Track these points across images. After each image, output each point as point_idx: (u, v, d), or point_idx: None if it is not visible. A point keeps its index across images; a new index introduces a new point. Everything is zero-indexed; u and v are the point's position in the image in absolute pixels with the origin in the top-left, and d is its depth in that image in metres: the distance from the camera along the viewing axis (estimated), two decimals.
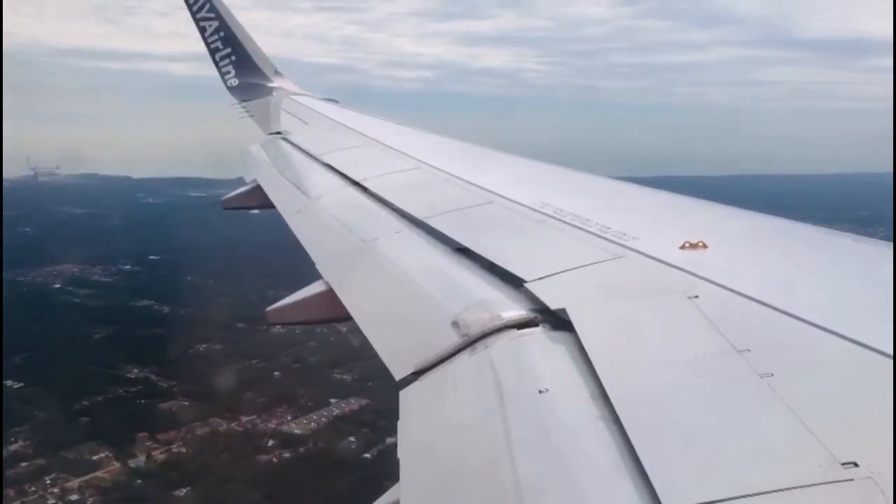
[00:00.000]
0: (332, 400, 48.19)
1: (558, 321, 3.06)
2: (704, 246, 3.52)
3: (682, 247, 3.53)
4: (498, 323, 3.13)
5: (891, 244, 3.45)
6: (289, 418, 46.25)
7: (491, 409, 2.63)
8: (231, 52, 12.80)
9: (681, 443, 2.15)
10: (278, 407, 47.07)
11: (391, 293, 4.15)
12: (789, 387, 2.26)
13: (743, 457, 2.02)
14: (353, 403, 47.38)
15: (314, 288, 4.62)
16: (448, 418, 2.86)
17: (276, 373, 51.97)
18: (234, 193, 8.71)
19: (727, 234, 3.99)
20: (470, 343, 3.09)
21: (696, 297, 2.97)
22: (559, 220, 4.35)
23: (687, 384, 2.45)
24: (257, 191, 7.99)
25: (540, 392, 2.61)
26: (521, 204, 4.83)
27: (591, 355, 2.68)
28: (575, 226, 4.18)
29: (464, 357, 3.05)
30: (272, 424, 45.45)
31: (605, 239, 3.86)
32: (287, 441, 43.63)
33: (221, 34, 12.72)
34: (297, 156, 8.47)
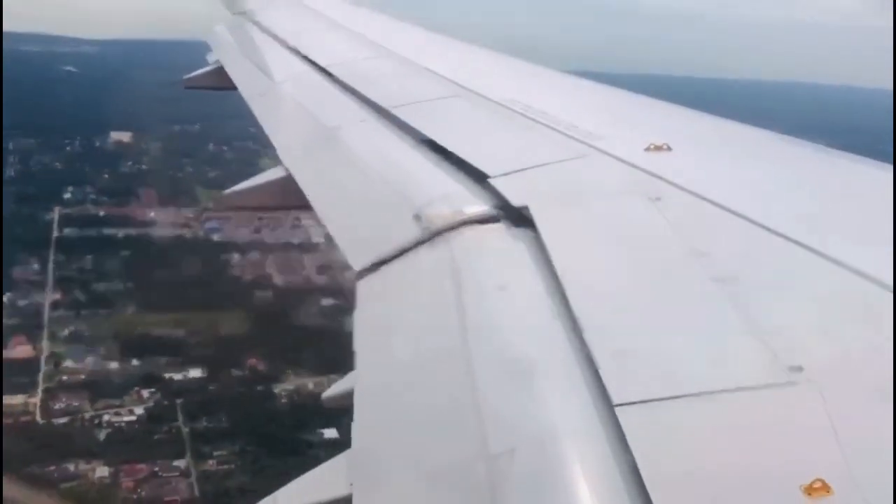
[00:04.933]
0: None
1: (520, 218, 3.05)
2: (669, 148, 3.50)
3: (647, 148, 3.50)
4: (460, 218, 3.12)
5: (859, 157, 3.46)
6: None
7: (448, 303, 2.65)
8: None
9: (633, 343, 2.18)
10: None
11: (352, 183, 4.10)
12: (744, 292, 2.29)
13: (692, 358, 2.07)
14: None
15: (273, 173, 4.54)
16: (405, 310, 2.88)
17: None
18: (195, 73, 8.46)
19: (692, 137, 3.97)
20: (430, 237, 3.07)
21: (658, 199, 2.97)
22: (526, 116, 4.28)
23: (643, 285, 2.48)
24: (220, 72, 7.75)
25: (498, 288, 2.62)
26: (488, 98, 4.74)
27: (550, 253, 2.69)
28: (542, 123, 4.12)
29: (424, 251, 3.04)
30: None
31: (572, 138, 3.82)
32: None
33: None
34: (261, 38, 8.19)
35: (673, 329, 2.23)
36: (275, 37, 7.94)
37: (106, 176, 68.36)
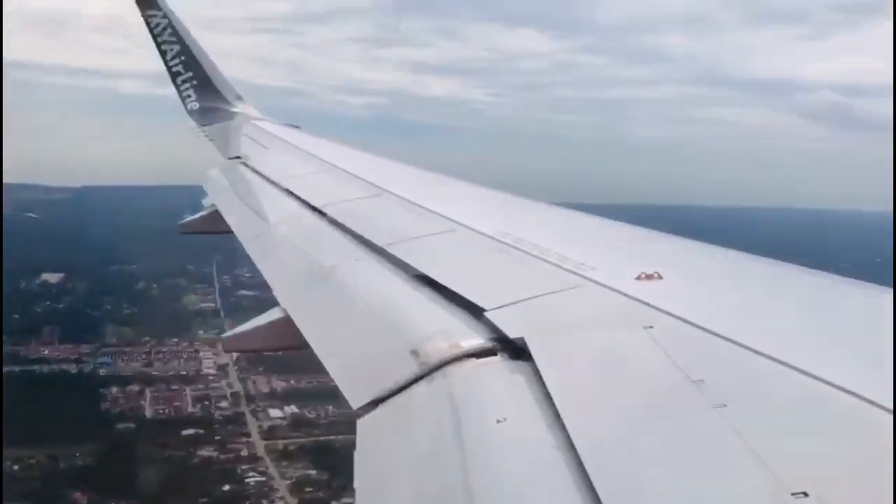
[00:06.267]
0: None
1: (517, 350, 3.07)
2: (659, 277, 3.57)
3: (638, 277, 3.57)
4: (457, 352, 3.14)
5: (844, 278, 3.54)
6: None
7: (448, 439, 2.63)
8: (192, 76, 12.74)
9: (635, 473, 2.17)
10: None
11: (349, 321, 4.13)
12: (742, 418, 2.29)
13: (694, 487, 2.05)
14: None
15: (271, 315, 4.57)
16: (405, 448, 2.85)
17: None
18: (191, 218, 8.63)
19: (681, 265, 4.05)
20: (428, 372, 3.09)
21: (652, 327, 3.01)
22: (519, 249, 4.38)
23: (642, 414, 2.48)
24: (215, 216, 7.91)
25: (497, 422, 2.62)
26: (481, 233, 4.85)
27: (548, 385, 2.70)
28: (534, 255, 4.21)
29: (422, 386, 3.04)
30: None
31: (564, 269, 3.90)
32: None
33: (183, 58, 12.67)
34: (256, 181, 8.42)
35: (674, 458, 2.22)
36: (269, 179, 8.16)
37: (16, 316, 68.68)
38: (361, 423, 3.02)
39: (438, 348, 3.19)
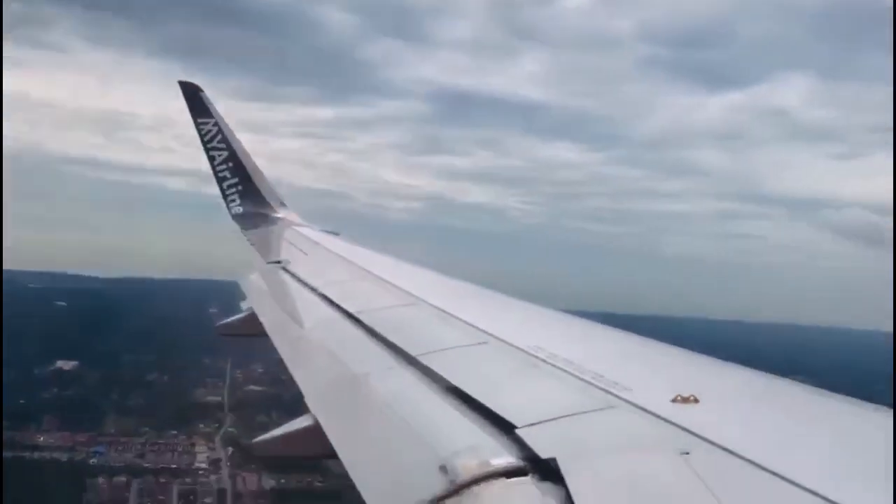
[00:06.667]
0: None
1: (548, 471, 3.01)
2: (696, 400, 3.51)
3: (674, 400, 3.51)
4: (487, 470, 3.08)
5: (880, 407, 3.44)
6: None
7: None
8: (238, 182, 13.15)
9: None
10: None
11: (379, 432, 4.09)
12: None
13: None
14: None
15: (302, 422, 4.55)
16: None
17: None
18: (228, 320, 8.73)
19: (718, 388, 3.98)
20: (457, 490, 3.02)
21: (688, 453, 2.94)
22: (553, 365, 4.34)
23: None
24: (252, 318, 8.00)
25: None
26: (515, 346, 4.83)
27: None
28: (568, 372, 4.17)
29: None
30: None
31: (598, 388, 3.85)
32: None
33: (230, 164, 13.11)
34: (294, 286, 8.53)
35: None
36: (307, 285, 8.27)
37: (21, 401, 69.16)
38: None
39: (468, 466, 3.13)
